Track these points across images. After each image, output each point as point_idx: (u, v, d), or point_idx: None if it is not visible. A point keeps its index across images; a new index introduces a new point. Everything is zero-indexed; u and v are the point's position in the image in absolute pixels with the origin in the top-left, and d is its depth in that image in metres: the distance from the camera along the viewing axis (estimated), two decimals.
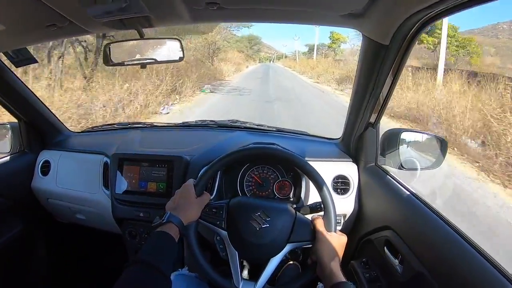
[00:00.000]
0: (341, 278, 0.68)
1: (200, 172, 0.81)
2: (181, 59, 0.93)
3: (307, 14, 0.68)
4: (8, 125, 1.27)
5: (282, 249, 0.76)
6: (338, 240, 0.75)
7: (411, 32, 0.63)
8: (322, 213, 0.80)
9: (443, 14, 0.52)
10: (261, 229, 0.76)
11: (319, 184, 0.78)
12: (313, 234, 0.76)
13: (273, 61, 70.03)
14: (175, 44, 0.91)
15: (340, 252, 0.75)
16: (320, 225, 0.76)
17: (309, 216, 0.82)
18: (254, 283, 0.75)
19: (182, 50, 0.92)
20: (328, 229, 0.76)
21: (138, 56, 0.92)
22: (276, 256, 0.76)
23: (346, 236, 0.78)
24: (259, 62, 55.53)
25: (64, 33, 0.83)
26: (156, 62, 0.92)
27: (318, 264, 0.73)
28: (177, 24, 0.87)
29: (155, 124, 1.54)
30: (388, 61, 0.74)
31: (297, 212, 0.81)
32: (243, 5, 0.65)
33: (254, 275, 0.78)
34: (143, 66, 0.92)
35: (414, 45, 0.66)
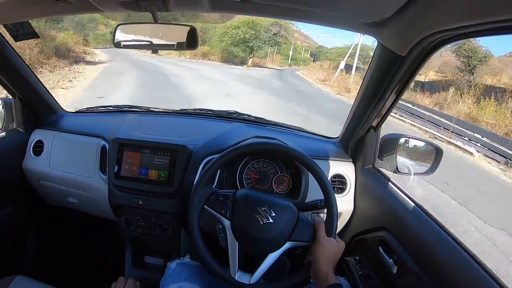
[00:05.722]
0: (336, 280, 0.70)
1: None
2: (193, 47, 0.91)
3: (331, 17, 0.68)
4: (1, 101, 1.20)
5: (282, 246, 0.77)
6: (336, 246, 0.77)
7: (429, 46, 0.64)
8: (322, 215, 0.81)
9: (466, 35, 0.53)
10: (264, 224, 0.76)
11: (328, 190, 0.79)
12: (314, 235, 0.77)
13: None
14: (190, 31, 0.89)
15: (337, 257, 0.77)
16: (321, 228, 0.77)
17: (309, 216, 0.83)
18: (249, 275, 0.76)
19: (196, 38, 0.90)
20: (329, 234, 0.77)
21: (149, 40, 0.89)
22: (275, 252, 0.77)
23: (344, 243, 0.80)
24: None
25: (74, 9, 0.78)
26: (168, 47, 0.90)
27: (313, 266, 0.74)
28: (194, 11, 0.85)
29: (151, 109, 1.50)
30: (401, 71, 0.76)
31: (300, 212, 0.81)
32: (268, 0, 0.65)
33: (248, 267, 0.79)
34: (155, 51, 0.90)
35: (430, 58, 0.68)
